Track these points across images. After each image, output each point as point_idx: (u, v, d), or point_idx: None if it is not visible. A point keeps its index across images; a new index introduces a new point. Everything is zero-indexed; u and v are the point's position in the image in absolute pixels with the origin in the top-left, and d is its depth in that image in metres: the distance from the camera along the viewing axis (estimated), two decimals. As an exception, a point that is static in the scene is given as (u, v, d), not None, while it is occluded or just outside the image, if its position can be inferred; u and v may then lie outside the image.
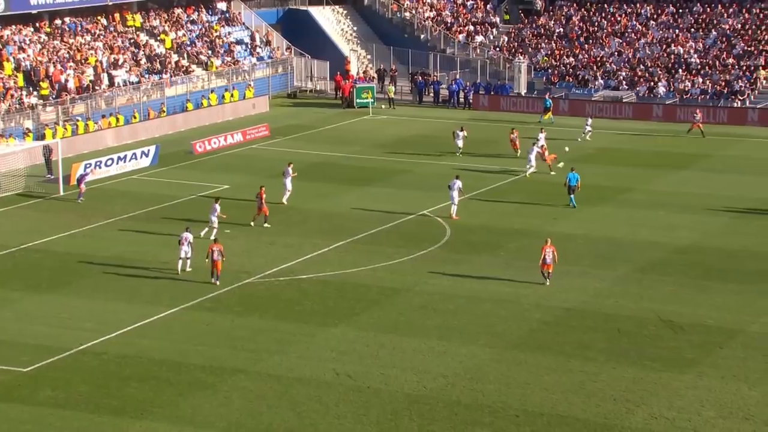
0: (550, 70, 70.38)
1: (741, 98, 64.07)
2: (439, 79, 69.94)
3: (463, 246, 39.87)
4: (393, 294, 34.95)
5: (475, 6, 79.15)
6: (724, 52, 68.28)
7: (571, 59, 70.82)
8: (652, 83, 66.90)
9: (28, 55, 60.32)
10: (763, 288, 35.23)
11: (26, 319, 32.90)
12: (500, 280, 35.71)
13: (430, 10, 78.45)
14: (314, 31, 76.42)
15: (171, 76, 64.32)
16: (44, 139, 53.44)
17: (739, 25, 70.57)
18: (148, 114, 61.09)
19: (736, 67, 66.78)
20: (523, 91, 68.67)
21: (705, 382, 28.32)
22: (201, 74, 66.57)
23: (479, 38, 75.33)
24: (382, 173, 51.34)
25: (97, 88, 60.40)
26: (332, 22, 78.30)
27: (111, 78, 61.70)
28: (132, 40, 66.41)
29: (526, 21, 76.87)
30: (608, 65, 69.57)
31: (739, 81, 65.20)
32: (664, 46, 70.19)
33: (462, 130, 53.76)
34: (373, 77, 71.48)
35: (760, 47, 67.92)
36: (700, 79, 66.18)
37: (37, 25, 63.27)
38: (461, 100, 68.05)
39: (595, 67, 69.54)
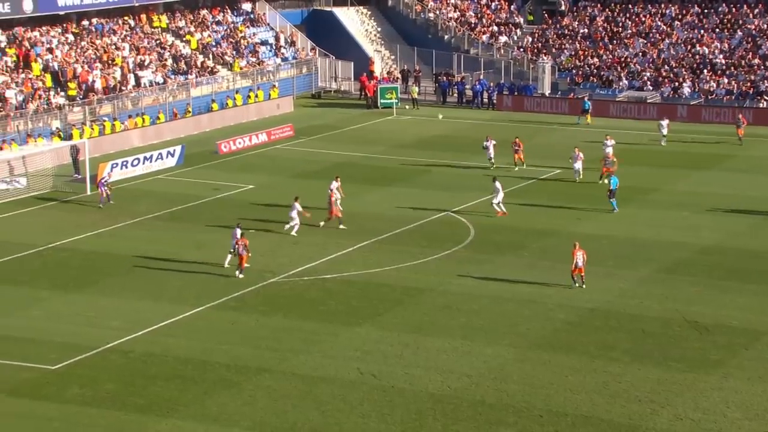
0: (574, 71, 70.14)
1: (766, 98, 63.62)
2: (462, 79, 69.82)
3: (487, 246, 39.80)
4: (417, 294, 34.94)
5: (499, 6, 78.99)
6: (750, 53, 67.84)
7: (596, 60, 70.55)
8: (676, 84, 66.56)
9: (56, 56, 60.74)
10: (788, 289, 34.98)
11: (54, 318, 33.13)
12: (524, 281, 35.60)
13: (454, 11, 78.38)
14: (338, 31, 76.53)
15: (196, 77, 64.58)
16: (71, 139, 53.79)
17: (765, 26, 70.08)
18: (174, 114, 61.37)
19: (762, 67, 66.32)
20: (547, 92, 68.48)
21: (730, 383, 28.15)
22: (226, 75, 66.81)
23: (503, 39, 75.18)
24: (406, 173, 51.33)
25: (123, 88, 60.74)
26: (356, 22, 78.37)
27: (137, 78, 62.03)
28: (158, 41, 66.73)
29: (550, 21, 76.64)
30: (632, 66, 69.26)
31: (765, 81, 64.75)
32: (689, 47, 69.81)
33: (489, 140, 51.43)
34: (397, 78, 71.49)
35: (786, 47, 67.46)
36: (726, 80, 65.78)
37: (65, 25, 63.69)
38: (485, 100, 67.94)
39: (619, 67, 69.25)
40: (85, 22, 64.88)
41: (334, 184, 42.84)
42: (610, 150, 49.77)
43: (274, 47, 71.89)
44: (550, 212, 44.19)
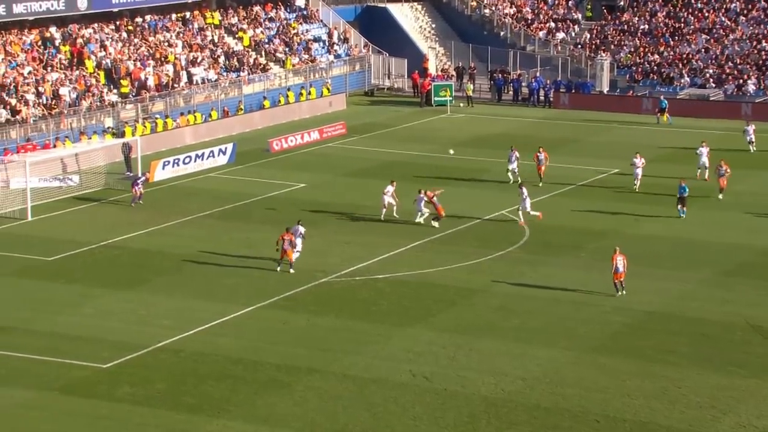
0: (633, 68, 69.45)
1: (834, 96, 62.51)
2: (519, 77, 69.46)
3: (542, 247, 39.57)
4: (470, 295, 34.85)
5: (556, 2, 78.47)
6: (817, 49, 66.69)
7: (656, 56, 69.79)
8: (740, 81, 65.60)
9: (109, 53, 61.50)
10: None
11: (106, 316, 33.56)
12: (580, 282, 35.32)
13: (510, 7, 78.00)
14: (392, 28, 76.53)
15: (249, 74, 65.02)
16: (124, 136, 54.43)
17: (833, 21, 68.86)
18: (225, 112, 61.82)
19: (829, 63, 65.18)
20: (606, 90, 67.88)
21: (794, 390, 27.70)
22: (278, 72, 67.16)
23: (560, 35, 74.67)
24: (460, 172, 51.20)
25: (176, 85, 61.32)
26: (410, 19, 78.33)
27: (189, 76, 62.60)
28: (210, 38, 67.28)
29: (609, 17, 75.97)
30: (695, 62, 68.40)
31: (832, 78, 63.61)
32: (755, 43, 68.75)
33: (513, 151, 48.40)
34: (452, 75, 71.33)
35: None
36: (791, 77, 64.75)
37: (118, 23, 64.46)
38: (541, 98, 67.55)
39: (680, 64, 68.44)
40: (139, 19, 65.62)
41: (390, 189, 42.67)
42: (705, 160, 47.85)
43: (326, 44, 72.12)
44: (607, 213, 43.81)
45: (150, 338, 31.37)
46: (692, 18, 72.71)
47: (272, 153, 55.96)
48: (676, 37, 71.41)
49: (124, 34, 63.91)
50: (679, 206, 42.62)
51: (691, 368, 29.01)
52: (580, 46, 72.99)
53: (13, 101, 54.37)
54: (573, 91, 67.58)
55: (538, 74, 68.97)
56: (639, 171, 46.79)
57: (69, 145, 52.08)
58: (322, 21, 74.63)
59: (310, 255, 38.45)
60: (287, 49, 69.44)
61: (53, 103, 55.69)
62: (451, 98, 66.80)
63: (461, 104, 67.44)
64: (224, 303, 34.26)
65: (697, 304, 33.75)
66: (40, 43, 60.29)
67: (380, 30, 75.84)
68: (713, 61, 68.15)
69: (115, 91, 59.25)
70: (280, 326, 32.55)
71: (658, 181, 47.29)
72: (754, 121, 57.33)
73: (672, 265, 37.32)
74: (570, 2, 78.52)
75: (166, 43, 64.65)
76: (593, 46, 72.27)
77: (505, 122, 63.10)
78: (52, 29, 61.35)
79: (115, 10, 63.62)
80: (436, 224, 41.67)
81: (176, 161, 51.66)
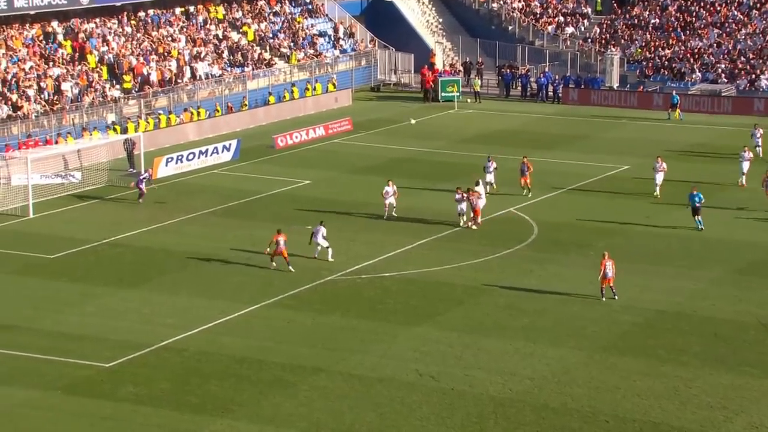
0: (643, 63, 69.40)
1: None
2: (527, 72, 69.44)
3: (550, 245, 39.57)
4: (478, 293, 34.87)
5: (565, -4, 78.39)
6: (831, 43, 66.56)
7: (667, 51, 69.71)
8: (753, 76, 65.50)
9: (112, 48, 61.58)
10: None
11: (108, 314, 33.63)
12: (589, 281, 35.31)
13: (519, 1, 77.95)
14: (399, 22, 76.53)
15: (253, 69, 65.06)
16: (127, 132, 54.51)
17: None
18: (229, 108, 61.87)
19: (844, 58, 65.05)
20: (615, 85, 67.84)
21: (807, 390, 27.68)
22: (283, 67, 67.20)
23: (569, 30, 74.62)
24: (467, 169, 51.20)
25: (179, 81, 61.40)
26: (417, 13, 78.33)
27: (193, 71, 62.65)
28: (214, 33, 67.33)
29: (620, 11, 75.89)
30: (706, 57, 68.31)
31: None
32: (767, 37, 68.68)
33: (490, 161, 46.39)
34: (459, 70, 71.33)
35: None
36: (805, 72, 64.64)
37: (120, 17, 64.53)
38: (550, 93, 67.53)
39: (692, 59, 68.35)
40: (141, 14, 65.69)
41: (389, 189, 42.34)
42: (746, 165, 46.23)
43: (332, 39, 72.16)
44: (617, 210, 43.79)
45: (153, 337, 31.45)
46: (704, 12, 72.61)
47: (277, 149, 56.02)
48: (688, 32, 71.32)
49: (127, 29, 64.01)
50: (696, 217, 40.82)
51: (703, 368, 29.01)
52: (589, 40, 72.95)
53: (15, 97, 54.48)
54: (582, 86, 67.54)
55: (546, 69, 68.95)
56: (660, 176, 45.11)
57: (71, 141, 52.16)
58: (327, 15, 74.65)
59: (316, 253, 38.49)
60: (292, 44, 69.47)
61: (55, 98, 55.79)
62: (458, 94, 66.79)
63: (468, 100, 67.43)
64: (228, 301, 34.32)
65: (709, 303, 33.74)
66: (42, 37, 60.39)
67: (387, 24, 75.84)
68: (725, 56, 68.06)
69: (117, 86, 59.33)
70: (285, 325, 32.60)
71: (668, 176, 47.20)
72: (764, 116, 57.13)
73: (683, 264, 37.31)
74: (579, -4, 78.42)
75: (170, 38, 64.72)
76: (603, 41, 72.22)
77: (513, 118, 63.09)
78: (54, 24, 61.45)
79: (118, 4, 63.70)
80: (473, 226, 41.03)
81: (180, 158, 51.74)
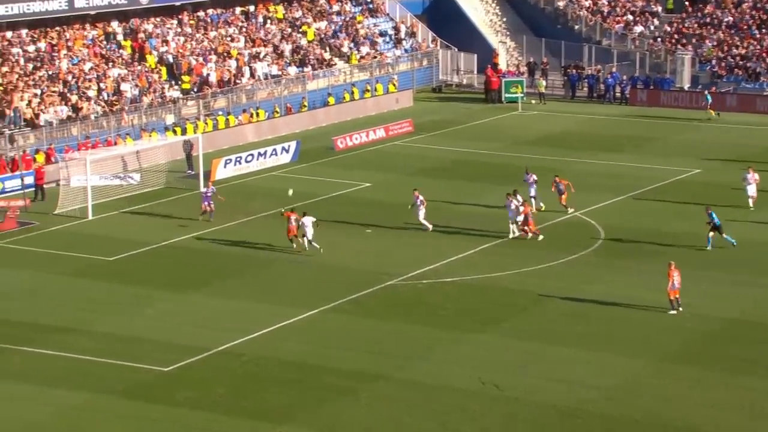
0: (716, 63, 68.45)
1: None
2: (598, 72, 68.81)
3: (618, 250, 39.20)
4: (542, 300, 34.66)
5: (634, -6, 77.64)
6: None
7: (741, 50, 68.66)
8: (834, 76, 64.29)
9: (171, 49, 62.29)
10: None
11: (166, 318, 34.00)
12: (657, 288, 34.88)
13: (586, -1, 77.37)
14: (461, 22, 76.37)
15: (313, 69, 65.38)
16: (185, 133, 55.08)
17: None
18: (288, 109, 62.23)
19: None
20: (686, 86, 66.98)
21: None
22: (343, 67, 67.44)
23: (638, 29, 73.84)
24: (531, 172, 50.89)
25: (238, 81, 61.91)
26: (481, 12, 78.12)
27: (252, 71, 63.13)
28: (274, 33, 67.79)
29: (691, 9, 74.94)
30: (783, 56, 67.18)
31: None
32: None
33: (529, 174, 44.29)
34: (523, 71, 70.98)
35: None
36: None
37: (180, 17, 65.26)
38: (617, 94, 66.90)
39: None
40: (201, 13, 66.36)
41: (419, 198, 41.50)
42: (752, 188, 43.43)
43: (393, 38, 72.25)
44: (687, 215, 43.20)
45: (211, 341, 31.70)
46: (781, 9, 71.41)
47: (336, 151, 56.21)
48: (763, 30, 70.16)
49: (187, 29, 64.68)
50: (723, 235, 38.67)
51: (777, 380, 28.55)
52: (659, 39, 72.13)
53: (75, 98, 55.33)
54: (651, 87, 66.80)
55: (614, 70, 68.33)
56: (752, 188, 43.36)
57: (130, 142, 52.85)
58: (388, 15, 74.76)
59: (376, 257, 38.56)
60: (353, 43, 69.68)
61: (114, 99, 56.55)
62: (522, 95, 66.48)
63: (533, 101, 67.08)
64: (287, 306, 34.49)
65: (783, 312, 33.20)
66: (102, 38, 61.26)
67: (449, 24, 75.71)
68: (803, 56, 66.87)
69: (176, 87, 59.98)
70: (344, 331, 32.67)
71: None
72: None
73: (753, 270, 36.72)
74: (649, -6, 77.60)
75: (229, 38, 65.29)
76: (673, 40, 71.38)
77: (579, 120, 62.62)
78: (114, 24, 62.33)
79: (177, 3, 64.43)
80: (529, 236, 40.10)
81: (238, 159, 52.16)
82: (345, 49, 68.66)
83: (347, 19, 72.09)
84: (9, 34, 58.09)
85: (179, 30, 64.37)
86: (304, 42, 67.88)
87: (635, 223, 42.34)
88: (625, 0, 77.18)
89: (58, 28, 59.98)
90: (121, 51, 60.80)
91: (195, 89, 60.08)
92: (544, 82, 68.26)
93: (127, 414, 27.54)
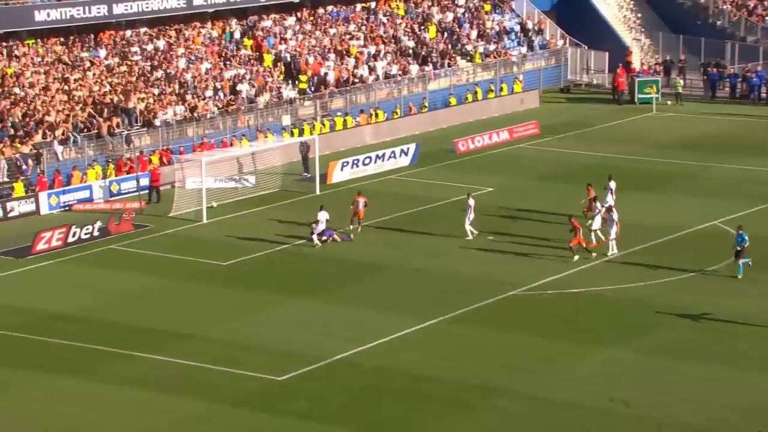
0: None
1: None
2: (746, 72, 67.32)
3: (759, 262, 38.39)
4: (675, 314, 34.21)
5: (783, -14, 75.80)
6: None
7: None
8: None
9: (289, 47, 63.29)
10: None
11: (281, 325, 34.64)
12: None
13: (728, -8, 75.87)
14: (593, 18, 75.68)
15: (434, 69, 65.63)
16: (302, 135, 55.88)
17: None
18: (409, 109, 62.62)
19: None
20: (840, 86, 65.11)
21: None
22: (466, 66, 67.54)
23: (787, 24, 72.10)
24: (666, 177, 50.26)
25: (356, 81, 62.52)
26: (613, 8, 77.31)
27: (371, 70, 63.67)
28: (394, 30, 68.25)
29: None
30: None
31: None
32: None
33: (610, 179, 43.08)
34: (658, 70, 69.97)
35: None
36: None
37: (298, 14, 66.21)
38: (763, 95, 65.42)
39: None
40: (321, 10, 67.19)
41: (471, 202, 41.61)
42: None
43: (519, 36, 72.08)
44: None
45: (327, 350, 32.18)
46: None
47: (458, 154, 56.36)
48: None
49: (307, 26, 65.50)
50: (733, 259, 37.06)
51: None
52: (810, 35, 70.25)
53: (190, 97, 56.65)
54: (800, 87, 65.17)
55: (759, 68, 66.83)
56: None
57: (245, 143, 53.82)
58: (514, 11, 74.60)
59: (497, 265, 38.62)
60: (476, 41, 69.73)
61: (230, 99, 57.71)
62: (657, 95, 65.58)
63: (669, 102, 66.11)
64: (405, 315, 34.79)
65: None
66: (221, 36, 62.57)
67: (579, 20, 75.08)
68: None
69: (292, 87, 60.84)
70: (464, 341, 32.80)
71: None
72: None
73: None
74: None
75: (348, 36, 65.99)
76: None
77: (719, 122, 61.49)
78: (233, 22, 63.65)
79: (296, 0, 65.31)
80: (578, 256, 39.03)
81: (355, 162, 52.71)
82: (468, 48, 68.61)
83: (473, 9, 71.88)
84: (128, 32, 59.88)
85: (297, 27, 65.33)
86: (426, 39, 68.07)
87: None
88: (773, -7, 75.42)
89: (176, 27, 61.53)
90: (240, 49, 61.91)
91: (312, 89, 60.87)
92: (681, 82, 67.20)
93: (241, 424, 28.13)
